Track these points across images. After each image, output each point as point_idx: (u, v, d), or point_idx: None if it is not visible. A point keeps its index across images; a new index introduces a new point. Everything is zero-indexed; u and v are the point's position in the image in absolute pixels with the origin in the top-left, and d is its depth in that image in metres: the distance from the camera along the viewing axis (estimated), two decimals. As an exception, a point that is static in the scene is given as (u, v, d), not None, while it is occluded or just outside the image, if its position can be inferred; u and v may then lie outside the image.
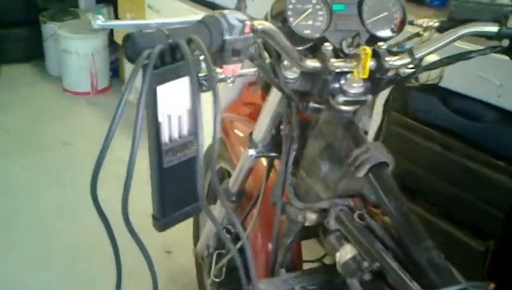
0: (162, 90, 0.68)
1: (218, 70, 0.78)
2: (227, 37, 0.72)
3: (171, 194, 0.77)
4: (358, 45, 0.90)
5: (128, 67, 3.50)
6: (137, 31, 0.65)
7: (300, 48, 0.91)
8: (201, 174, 0.69)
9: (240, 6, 0.80)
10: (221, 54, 0.73)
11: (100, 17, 0.72)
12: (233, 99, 2.34)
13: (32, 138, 3.12)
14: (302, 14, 0.90)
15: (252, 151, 1.16)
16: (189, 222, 1.90)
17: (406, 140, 1.71)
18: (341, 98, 0.91)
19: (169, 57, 0.66)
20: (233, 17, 0.72)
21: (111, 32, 3.49)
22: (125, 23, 0.75)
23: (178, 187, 0.78)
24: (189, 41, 0.65)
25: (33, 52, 3.89)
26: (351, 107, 0.93)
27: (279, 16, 0.90)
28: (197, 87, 0.63)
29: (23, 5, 3.72)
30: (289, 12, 0.89)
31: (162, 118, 0.70)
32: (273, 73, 0.91)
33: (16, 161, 2.87)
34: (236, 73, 0.76)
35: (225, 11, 0.73)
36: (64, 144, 3.06)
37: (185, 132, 0.74)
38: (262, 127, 1.13)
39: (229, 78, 0.94)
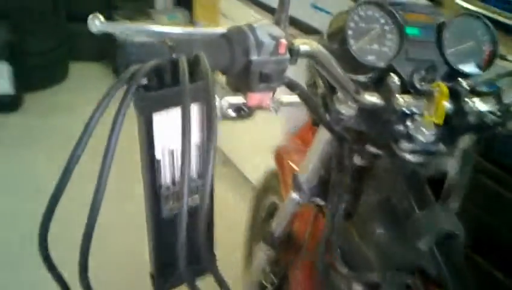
0: (161, 118, 0.58)
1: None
2: (254, 57, 0.61)
3: (172, 250, 0.67)
4: (432, 80, 0.76)
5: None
6: (131, 39, 0.55)
7: (361, 77, 0.79)
8: (203, 229, 0.58)
9: (279, 18, 0.69)
10: (245, 78, 0.62)
11: (100, 17, 0.63)
12: (304, 121, 2.21)
13: (95, 144, 3.15)
14: (366, 35, 0.77)
15: (295, 195, 1.03)
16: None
17: (489, 191, 1.50)
18: (405, 145, 0.77)
19: (170, 77, 0.56)
20: (265, 31, 0.61)
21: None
22: (128, 27, 0.66)
23: (186, 240, 0.67)
24: (195, 58, 0.55)
25: (104, 51, 3.96)
26: (418, 158, 0.79)
27: (337, 36, 0.78)
28: (213, 118, 0.52)
29: (97, 1, 3.81)
30: (350, 32, 0.76)
31: (160, 154, 0.60)
32: (323, 106, 0.79)
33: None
34: (265, 104, 0.65)
35: (256, 24, 0.62)
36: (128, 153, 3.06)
37: (192, 173, 0.64)
38: (308, 168, 1.00)
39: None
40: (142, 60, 0.54)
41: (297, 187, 1.03)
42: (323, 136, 0.93)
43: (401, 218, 0.79)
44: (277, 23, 0.68)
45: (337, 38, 0.78)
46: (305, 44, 0.67)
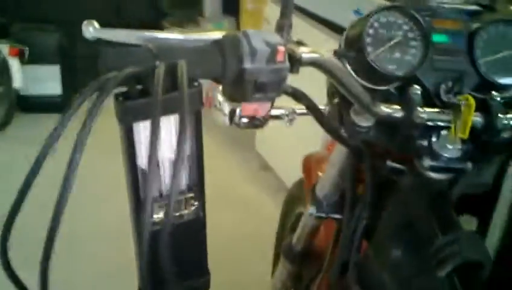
0: (145, 127, 0.53)
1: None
2: (247, 65, 0.55)
3: (161, 264, 0.61)
4: (460, 92, 0.67)
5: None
6: (110, 46, 0.50)
7: (381, 88, 0.71)
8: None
9: (282, 25, 0.62)
10: (240, 87, 0.56)
11: (95, 23, 0.58)
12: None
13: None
14: (386, 43, 0.69)
15: (312, 209, 0.96)
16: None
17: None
18: (428, 162, 0.69)
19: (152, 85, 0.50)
20: (260, 38, 0.55)
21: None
22: (121, 33, 0.61)
23: (174, 255, 0.61)
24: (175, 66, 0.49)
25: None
26: (443, 176, 0.70)
27: (354, 43, 0.70)
28: (183, 130, 0.46)
29: (147, 8, 3.83)
30: (368, 40, 0.69)
31: (145, 164, 0.54)
32: (338, 117, 0.72)
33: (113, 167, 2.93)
34: (262, 115, 0.58)
35: (251, 30, 0.56)
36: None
37: (182, 185, 0.58)
38: (327, 181, 0.93)
39: (285, 115, 0.77)
40: (123, 66, 0.49)
41: (316, 201, 0.96)
42: (342, 148, 0.85)
43: (421, 242, 0.71)
44: (279, 29, 0.62)
45: (354, 46, 0.70)
46: (308, 52, 0.60)
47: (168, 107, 0.52)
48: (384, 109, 0.68)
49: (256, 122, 0.83)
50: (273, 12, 2.67)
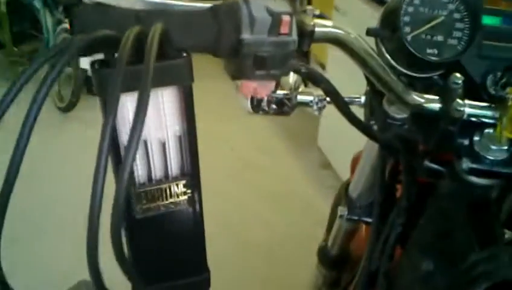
0: (127, 102, 0.46)
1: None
2: (245, 35, 0.47)
3: (151, 257, 0.55)
4: (509, 85, 0.56)
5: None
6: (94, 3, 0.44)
7: (421, 76, 0.61)
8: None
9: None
10: (238, 62, 0.48)
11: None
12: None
13: (205, 137, 3.15)
14: (427, 23, 0.59)
15: (343, 211, 0.86)
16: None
17: None
18: (468, 164, 0.58)
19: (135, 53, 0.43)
20: (262, 6, 0.47)
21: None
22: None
23: (166, 249, 0.55)
24: (164, 33, 0.42)
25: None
26: (485, 181, 0.60)
27: (390, 22, 0.61)
28: (142, 109, 0.38)
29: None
30: (405, 18, 0.59)
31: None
32: (369, 107, 0.63)
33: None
34: (263, 96, 0.50)
35: None
36: (231, 149, 3.03)
37: (173, 170, 0.51)
38: (360, 180, 0.83)
39: (310, 102, 0.68)
40: (100, 27, 0.43)
41: (348, 202, 0.86)
42: (374, 143, 0.75)
43: (456, 255, 0.60)
44: None
45: (391, 25, 0.61)
46: (324, 26, 0.52)
47: (156, 79, 0.45)
48: (417, 98, 0.58)
49: (284, 109, 0.75)
50: (342, 0, 2.55)
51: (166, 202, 0.51)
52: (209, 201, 2.22)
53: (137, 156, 0.49)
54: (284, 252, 2.16)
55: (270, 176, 2.64)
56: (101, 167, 0.36)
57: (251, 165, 2.76)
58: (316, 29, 0.52)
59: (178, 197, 0.52)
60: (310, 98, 0.73)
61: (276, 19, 0.47)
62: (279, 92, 0.73)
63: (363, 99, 0.75)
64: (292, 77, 0.74)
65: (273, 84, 0.51)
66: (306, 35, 0.51)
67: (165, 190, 0.51)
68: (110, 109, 0.37)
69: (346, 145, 2.34)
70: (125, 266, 0.40)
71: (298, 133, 3.02)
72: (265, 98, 0.73)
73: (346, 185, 0.89)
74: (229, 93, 3.55)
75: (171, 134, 0.50)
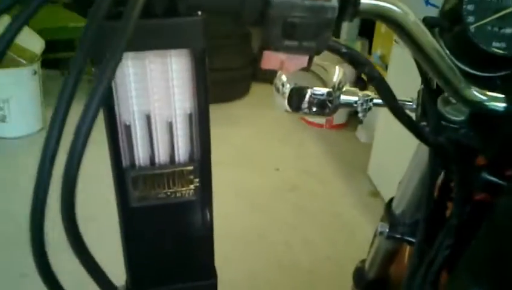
0: (131, 65, 0.38)
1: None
2: None
3: (149, 255, 0.47)
4: None
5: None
6: None
7: (484, 74, 0.51)
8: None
9: None
10: (263, 28, 0.39)
11: None
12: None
13: (248, 156, 3.10)
14: (494, 12, 0.49)
15: (383, 227, 0.75)
16: None
17: None
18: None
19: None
20: None
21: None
22: None
23: (167, 248, 0.47)
24: None
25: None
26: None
27: (451, 12, 0.51)
28: (104, 78, 0.31)
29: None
30: (469, 7, 0.49)
31: (129, 118, 0.40)
32: (421, 106, 0.53)
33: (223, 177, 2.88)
34: (290, 70, 0.42)
35: None
36: (276, 170, 2.94)
37: (180, 154, 0.43)
38: (405, 195, 0.72)
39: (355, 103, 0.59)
40: None
41: (391, 219, 0.75)
42: (424, 149, 0.65)
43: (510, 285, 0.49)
44: None
45: (451, 14, 0.51)
46: None
47: (163, 38, 0.37)
48: (479, 94, 0.48)
49: (325, 110, 0.66)
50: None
51: (169, 191, 0.43)
52: (250, 218, 2.15)
53: (137, 132, 0.41)
54: (325, 275, 2.04)
55: (316, 200, 2.53)
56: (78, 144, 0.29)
57: (296, 186, 2.66)
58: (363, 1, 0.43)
59: (183, 186, 0.43)
60: (355, 98, 0.64)
61: None
62: (320, 89, 0.64)
63: (415, 104, 0.65)
64: (336, 74, 0.65)
65: (304, 59, 0.42)
66: (349, 4, 0.42)
67: (169, 176, 0.43)
68: (102, 70, 0.29)
69: (397, 176, 2.22)
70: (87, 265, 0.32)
71: (348, 159, 2.90)
72: (305, 97, 0.64)
73: (390, 201, 0.78)
74: (280, 115, 3.50)
75: (179, 111, 0.42)
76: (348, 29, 3.76)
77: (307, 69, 0.43)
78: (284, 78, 0.67)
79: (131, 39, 0.31)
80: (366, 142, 2.96)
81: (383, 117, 2.40)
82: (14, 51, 2.69)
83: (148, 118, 0.41)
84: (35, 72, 2.86)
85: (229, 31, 3.61)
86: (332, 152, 3.10)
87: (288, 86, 0.65)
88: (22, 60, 2.73)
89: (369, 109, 0.64)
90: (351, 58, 0.48)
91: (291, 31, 0.39)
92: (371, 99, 0.64)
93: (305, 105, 0.65)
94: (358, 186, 2.62)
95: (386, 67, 2.60)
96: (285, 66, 0.41)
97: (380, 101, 0.64)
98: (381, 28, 3.10)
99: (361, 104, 0.64)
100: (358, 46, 3.49)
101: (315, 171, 2.84)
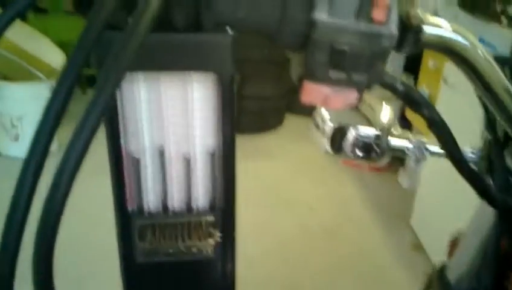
0: (142, 85, 0.34)
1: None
2: (320, 15, 0.33)
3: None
4: None
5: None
6: None
7: None
8: None
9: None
10: (305, 54, 0.34)
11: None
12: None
13: (279, 193, 3.04)
14: None
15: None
16: None
17: None
18: None
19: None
20: None
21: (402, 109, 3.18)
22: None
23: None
24: None
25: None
26: None
27: None
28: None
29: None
30: None
31: (138, 150, 0.36)
32: (485, 160, 0.47)
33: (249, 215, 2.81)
34: (335, 107, 0.36)
35: None
36: (310, 209, 2.88)
37: (198, 199, 0.38)
38: (461, 261, 0.65)
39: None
40: None
41: (444, 288, 0.67)
42: (487, 210, 0.58)
43: None
44: None
45: None
46: (438, 25, 0.38)
47: (183, 58, 0.33)
48: None
49: (371, 155, 0.61)
50: (453, 72, 2.39)
51: (183, 245, 0.38)
52: (279, 265, 2.07)
53: (148, 169, 0.36)
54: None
55: (353, 248, 2.44)
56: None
57: (331, 231, 2.58)
58: (425, 28, 0.37)
59: (201, 239, 0.38)
60: (407, 144, 0.58)
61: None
62: (367, 130, 0.58)
63: (476, 154, 0.59)
64: (385, 113, 0.59)
65: (352, 96, 0.36)
66: (410, 32, 0.36)
67: (184, 227, 0.37)
68: (103, 87, 0.25)
69: (442, 228, 2.11)
70: None
71: (389, 206, 2.80)
72: (350, 139, 0.59)
73: (440, 268, 0.71)
74: (315, 150, 3.42)
75: (200, 147, 0.36)
76: (393, 65, 3.71)
77: (354, 106, 0.38)
78: (325, 114, 0.62)
79: (135, 55, 0.26)
80: (409, 189, 2.87)
81: (429, 161, 2.32)
82: (32, 63, 2.67)
83: (161, 153, 0.36)
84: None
85: (264, 54, 3.58)
86: (371, 197, 3.02)
87: (330, 124, 0.60)
88: (39, 74, 2.69)
89: (424, 158, 0.59)
90: (407, 96, 0.43)
91: (339, 60, 0.34)
92: (426, 147, 0.58)
93: (348, 148, 0.60)
94: (400, 237, 2.52)
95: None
96: (329, 102, 0.35)
97: (436, 149, 0.58)
98: (428, 62, 3.04)
99: (415, 152, 0.58)
100: (404, 80, 3.44)
101: (352, 216, 2.76)
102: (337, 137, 0.60)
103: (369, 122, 0.60)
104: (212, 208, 0.38)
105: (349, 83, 0.35)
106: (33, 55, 2.69)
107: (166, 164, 0.36)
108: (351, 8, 0.33)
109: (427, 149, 0.57)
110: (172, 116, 0.35)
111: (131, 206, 0.37)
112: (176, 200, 0.37)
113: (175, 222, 0.37)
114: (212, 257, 0.38)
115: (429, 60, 2.97)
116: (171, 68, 0.33)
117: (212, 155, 0.36)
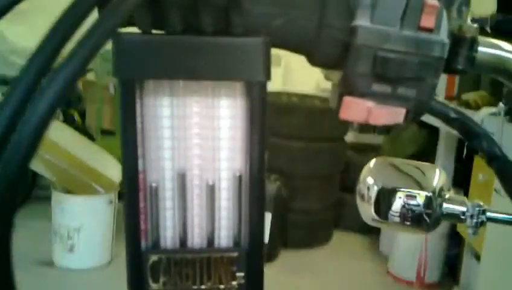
0: (177, 103, 0.31)
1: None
2: (362, 21, 0.30)
3: None
4: None
5: (465, 264, 2.95)
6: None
7: None
8: None
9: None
10: (345, 66, 0.31)
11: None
12: None
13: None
14: None
15: None
16: None
17: None
18: None
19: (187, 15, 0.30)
20: None
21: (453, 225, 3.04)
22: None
23: None
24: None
25: (369, 225, 3.75)
26: None
27: None
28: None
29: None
30: None
31: (157, 176, 0.31)
32: None
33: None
34: (379, 123, 0.31)
35: None
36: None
37: (221, 233, 0.33)
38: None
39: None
40: None
41: None
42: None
43: None
44: None
45: None
46: (492, 44, 0.33)
47: (206, 66, 0.29)
48: None
49: (422, 225, 0.54)
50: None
51: (202, 286, 0.32)
52: None
53: (166, 198, 0.32)
54: None
55: None
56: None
57: None
58: (481, 48, 0.33)
59: (221, 280, 0.32)
60: (462, 208, 0.52)
61: (416, 3, 0.29)
62: (416, 193, 0.53)
63: None
64: (437, 176, 0.54)
65: (399, 113, 0.31)
66: (464, 44, 0.32)
67: (203, 265, 0.32)
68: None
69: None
70: None
71: None
72: (398, 202, 0.53)
73: None
74: (362, 267, 3.28)
75: (225, 172, 0.32)
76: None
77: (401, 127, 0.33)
78: (370, 180, 0.56)
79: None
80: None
81: (484, 275, 2.14)
82: (92, 177, 2.73)
83: (182, 179, 0.31)
84: (111, 202, 2.82)
85: (311, 171, 3.57)
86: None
87: (375, 187, 0.54)
88: (98, 188, 2.75)
89: (482, 223, 0.51)
90: (462, 126, 0.37)
91: (383, 70, 0.30)
92: (483, 211, 0.51)
93: (396, 213, 0.53)
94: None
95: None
96: (373, 115, 0.30)
97: (495, 214, 0.51)
98: (478, 175, 2.94)
99: (471, 217, 0.51)
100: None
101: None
102: (383, 201, 0.54)
103: (420, 187, 0.54)
104: (236, 243, 0.32)
105: (394, 99, 0.30)
106: (96, 170, 2.77)
107: (187, 192, 0.32)
108: (396, 15, 0.30)
109: (484, 213, 0.50)
110: (197, 136, 0.31)
111: (145, 239, 0.31)
112: (195, 233, 0.32)
113: (193, 258, 0.32)
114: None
115: (479, 173, 2.88)
116: (197, 76, 0.29)
117: (239, 181, 0.32)
